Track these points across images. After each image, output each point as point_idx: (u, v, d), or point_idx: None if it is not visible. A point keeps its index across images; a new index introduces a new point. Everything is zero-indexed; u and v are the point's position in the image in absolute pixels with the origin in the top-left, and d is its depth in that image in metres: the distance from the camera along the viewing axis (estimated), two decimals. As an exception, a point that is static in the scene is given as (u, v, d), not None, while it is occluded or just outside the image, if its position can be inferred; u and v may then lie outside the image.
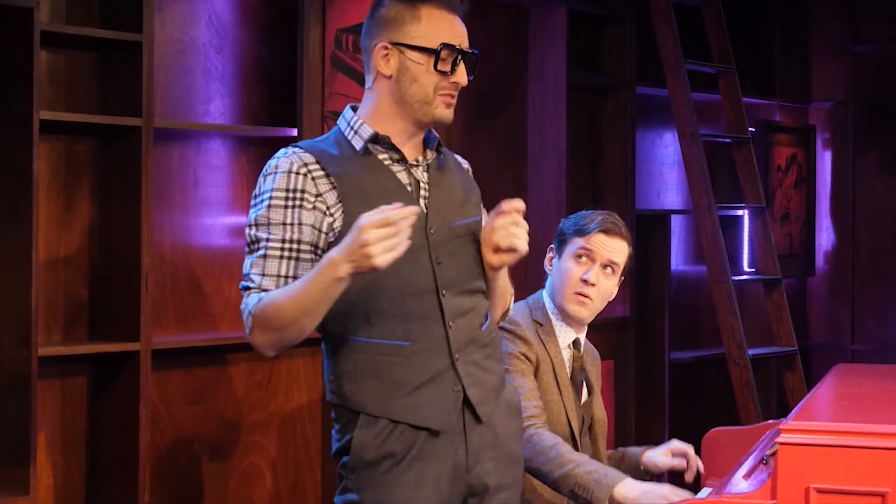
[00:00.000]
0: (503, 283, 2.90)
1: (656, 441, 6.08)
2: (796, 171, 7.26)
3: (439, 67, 2.69)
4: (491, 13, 5.54)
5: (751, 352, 5.96)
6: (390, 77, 2.71)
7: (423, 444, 2.66)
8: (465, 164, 2.96)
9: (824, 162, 7.48)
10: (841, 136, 7.40)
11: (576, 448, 3.34)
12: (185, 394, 4.32)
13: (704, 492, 3.57)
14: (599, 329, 5.48)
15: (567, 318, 3.41)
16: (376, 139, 2.71)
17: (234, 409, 4.45)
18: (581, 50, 5.90)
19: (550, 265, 3.45)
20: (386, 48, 2.70)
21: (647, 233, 6.18)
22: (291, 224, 2.63)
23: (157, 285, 4.19)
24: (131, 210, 3.97)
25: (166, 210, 4.28)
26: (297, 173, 2.65)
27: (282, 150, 2.72)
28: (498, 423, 2.78)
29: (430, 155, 2.79)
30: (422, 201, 2.73)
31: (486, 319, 2.81)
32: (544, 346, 3.36)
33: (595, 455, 3.46)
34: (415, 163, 2.76)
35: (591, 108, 6.03)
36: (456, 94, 2.74)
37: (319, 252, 2.65)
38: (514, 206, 2.72)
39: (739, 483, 2.93)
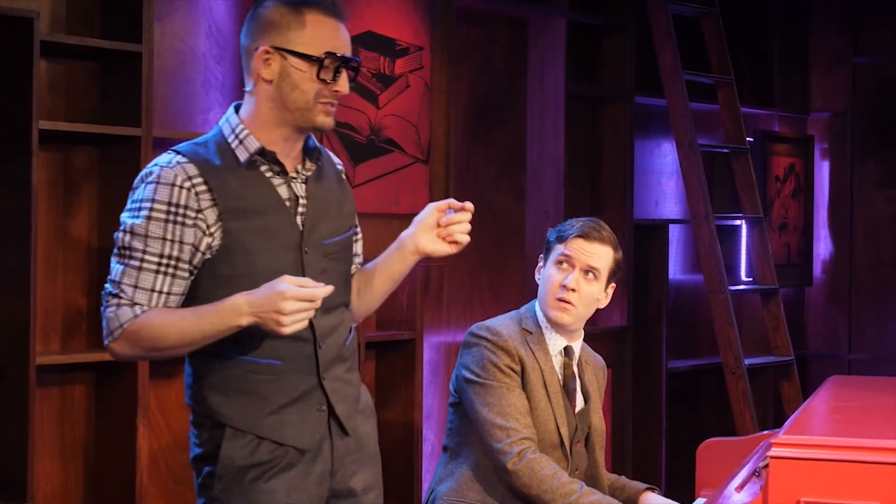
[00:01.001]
0: (407, 272, 2.93)
1: (653, 450, 6.12)
2: (794, 181, 7.28)
3: (322, 76, 2.63)
4: (490, 24, 5.56)
5: (747, 361, 5.98)
6: (271, 82, 2.65)
7: (290, 459, 2.69)
8: (340, 166, 2.92)
9: (822, 172, 7.50)
10: (839, 146, 7.42)
11: (567, 456, 3.35)
12: (182, 402, 4.32)
13: (698, 502, 3.59)
14: (597, 338, 5.50)
15: (554, 324, 3.42)
16: (262, 152, 2.67)
17: (232, 417, 4.46)
18: (580, 60, 5.92)
19: (539, 274, 3.46)
20: (268, 52, 2.64)
21: (646, 242, 6.19)
22: (171, 241, 2.59)
23: (155, 294, 4.20)
24: (130, 219, 3.99)
25: (165, 219, 4.29)
26: (181, 187, 2.59)
27: (164, 157, 2.65)
28: (359, 428, 2.83)
29: (310, 165, 2.76)
30: (298, 217, 2.71)
31: (350, 332, 2.83)
32: (533, 353, 3.36)
33: (593, 465, 3.46)
34: (294, 174, 2.73)
35: (590, 119, 6.06)
36: (337, 102, 2.70)
37: (193, 269, 2.63)
38: (469, 206, 2.81)
39: (732, 495, 2.94)
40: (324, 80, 2.64)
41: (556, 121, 5.65)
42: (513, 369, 3.30)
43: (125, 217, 2.64)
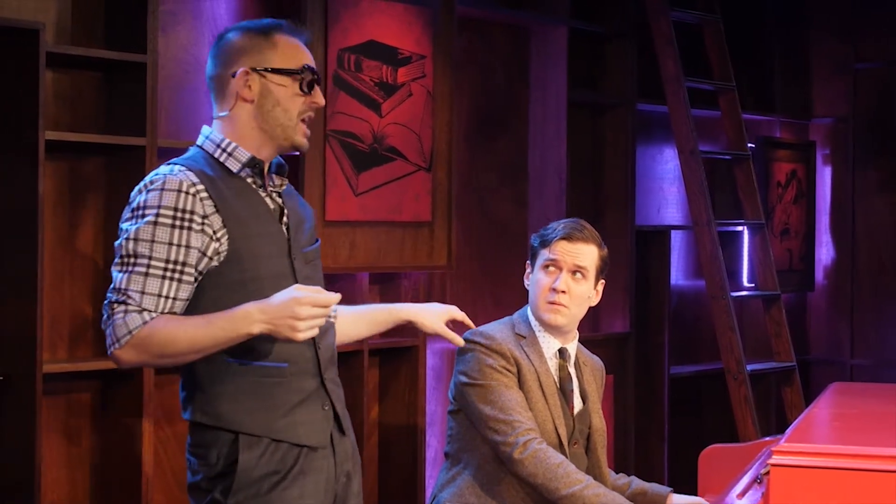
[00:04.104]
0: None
1: (656, 456, 6.13)
2: (796, 187, 7.30)
3: (305, 88, 2.74)
4: (492, 32, 5.59)
5: (749, 367, 6.00)
6: (252, 101, 2.73)
7: (303, 461, 2.72)
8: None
9: (824, 178, 7.52)
10: (841, 151, 7.44)
11: (566, 458, 3.37)
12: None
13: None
14: (600, 344, 5.52)
15: (547, 327, 3.45)
16: (253, 163, 2.74)
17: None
18: (581, 68, 5.94)
19: (528, 280, 3.51)
20: (247, 73, 2.72)
21: (647, 248, 6.21)
22: (178, 245, 2.62)
23: (160, 302, 4.21)
24: (136, 228, 4.01)
25: (170, 228, 4.31)
26: (188, 193, 2.63)
27: (164, 167, 2.70)
28: (351, 433, 2.88)
29: (280, 181, 2.83)
30: (283, 227, 2.78)
31: (335, 336, 2.92)
32: (527, 356, 3.40)
33: (595, 464, 3.48)
34: (270, 187, 2.80)
35: (591, 126, 6.08)
36: (313, 118, 2.80)
37: (197, 275, 2.66)
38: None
39: (734, 502, 2.97)
40: (304, 92, 2.74)
41: (558, 128, 5.67)
42: (508, 369, 3.36)
43: (127, 225, 2.65)
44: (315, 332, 2.57)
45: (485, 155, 5.57)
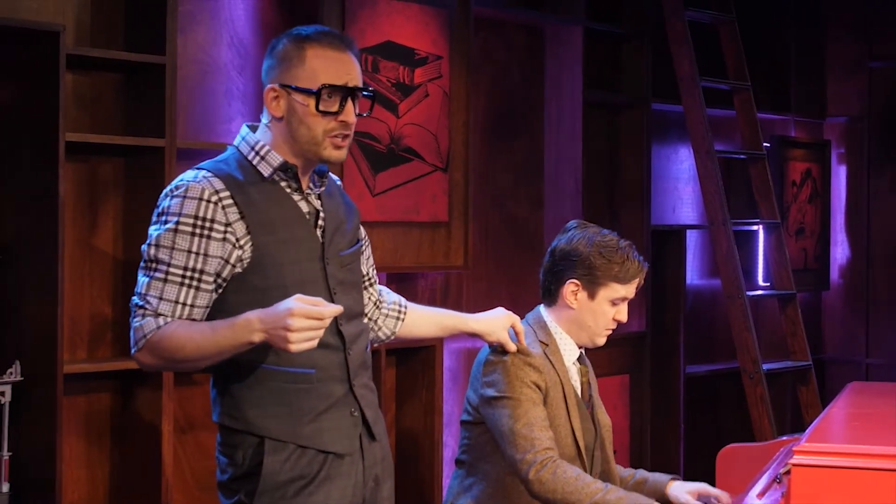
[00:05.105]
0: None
1: (672, 455, 6.14)
2: (811, 186, 7.30)
3: (321, 108, 2.68)
4: (508, 33, 5.60)
5: (765, 366, 6.00)
6: (281, 119, 2.72)
7: (329, 466, 2.72)
8: (338, 181, 2.98)
9: (839, 177, 7.51)
10: (856, 150, 7.44)
11: (585, 465, 3.36)
12: (207, 409, 4.36)
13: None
14: (616, 344, 5.53)
15: (571, 335, 3.43)
16: (285, 167, 2.73)
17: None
18: (597, 68, 5.95)
19: (576, 299, 3.39)
20: (275, 90, 2.72)
21: (663, 248, 6.22)
22: (197, 253, 2.63)
23: (179, 303, 4.23)
24: (155, 229, 4.03)
25: (189, 228, 4.33)
26: (209, 201, 2.64)
27: (190, 173, 2.69)
28: (383, 437, 2.88)
29: (320, 182, 2.81)
30: (318, 231, 2.77)
31: (368, 341, 2.90)
32: (553, 367, 3.35)
33: (604, 460, 3.46)
34: (309, 190, 2.79)
35: (607, 126, 6.09)
36: (348, 133, 2.74)
37: (221, 281, 2.67)
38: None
39: (754, 501, 2.97)
40: (325, 112, 2.69)
41: (574, 128, 5.68)
42: (538, 385, 3.29)
43: (152, 230, 2.68)
44: (311, 344, 2.52)
45: (501, 155, 5.58)
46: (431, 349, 4.95)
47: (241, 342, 2.56)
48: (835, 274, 7.49)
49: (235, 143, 2.79)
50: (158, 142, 4.02)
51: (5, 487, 3.68)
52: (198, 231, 2.63)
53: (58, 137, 3.72)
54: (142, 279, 2.65)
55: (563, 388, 3.35)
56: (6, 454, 3.69)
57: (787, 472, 2.73)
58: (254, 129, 2.79)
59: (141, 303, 2.63)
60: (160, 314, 2.61)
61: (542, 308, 3.47)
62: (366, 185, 4.71)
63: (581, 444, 3.36)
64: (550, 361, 3.34)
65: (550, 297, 3.44)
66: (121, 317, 4.12)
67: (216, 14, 4.45)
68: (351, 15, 4.63)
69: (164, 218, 2.66)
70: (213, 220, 2.64)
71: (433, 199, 4.94)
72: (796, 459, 2.65)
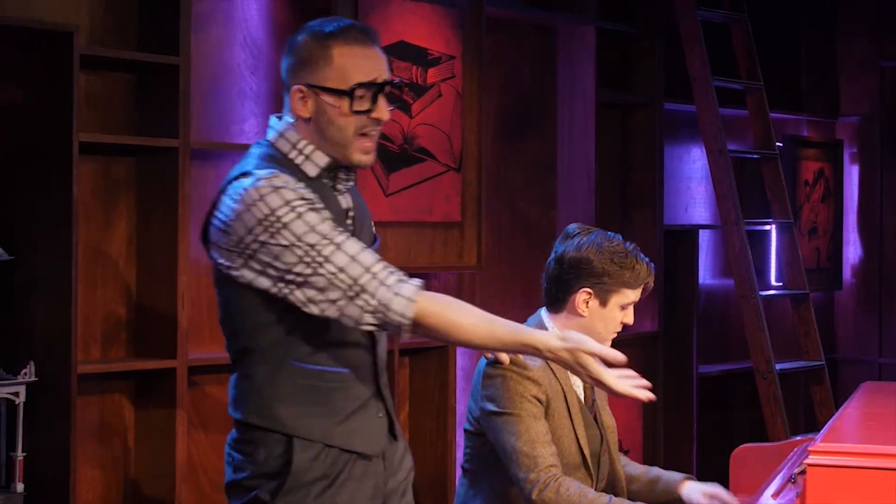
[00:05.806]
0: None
1: (685, 456, 6.13)
2: (823, 186, 7.28)
3: (355, 108, 2.62)
4: (520, 33, 5.59)
5: (778, 366, 5.99)
6: (309, 119, 2.65)
7: (353, 466, 2.69)
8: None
9: (851, 176, 7.50)
10: (868, 150, 7.42)
11: (591, 472, 3.33)
12: (221, 409, 4.37)
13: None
14: (628, 344, 5.52)
15: None
16: (330, 167, 2.67)
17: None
18: (609, 68, 5.94)
19: (587, 307, 3.32)
20: (302, 91, 2.64)
21: (675, 248, 6.21)
22: (326, 219, 2.55)
23: (193, 303, 4.24)
24: (168, 229, 4.04)
25: (202, 229, 4.33)
26: (294, 188, 2.55)
27: (251, 180, 2.57)
28: (402, 436, 2.85)
29: (347, 177, 2.74)
30: (351, 227, 2.72)
31: (387, 341, 2.87)
32: (555, 376, 3.29)
33: (609, 462, 3.45)
34: (341, 186, 2.73)
35: (619, 125, 6.09)
36: (377, 133, 2.68)
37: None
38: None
39: (768, 502, 2.97)
40: (358, 112, 2.63)
41: (586, 128, 5.67)
42: (539, 399, 3.23)
43: (280, 235, 2.52)
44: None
45: (513, 155, 5.58)
46: (445, 349, 4.95)
47: (534, 347, 2.64)
48: (847, 273, 7.47)
49: (269, 137, 2.70)
50: (172, 142, 4.02)
51: (20, 487, 3.69)
52: (312, 207, 2.55)
53: (71, 138, 3.73)
54: (335, 259, 2.51)
55: (565, 398, 3.30)
56: (20, 454, 3.70)
57: (802, 472, 2.72)
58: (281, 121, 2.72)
59: (371, 265, 2.53)
60: (386, 267, 2.56)
61: (544, 313, 3.39)
62: (379, 185, 4.71)
63: (586, 451, 3.32)
64: (552, 370, 3.27)
65: (557, 304, 3.35)
66: (134, 316, 4.13)
67: (229, 14, 4.45)
68: (363, 15, 4.63)
69: (273, 217, 2.52)
70: (310, 197, 2.56)
71: (446, 199, 4.95)
72: (812, 459, 2.64)
